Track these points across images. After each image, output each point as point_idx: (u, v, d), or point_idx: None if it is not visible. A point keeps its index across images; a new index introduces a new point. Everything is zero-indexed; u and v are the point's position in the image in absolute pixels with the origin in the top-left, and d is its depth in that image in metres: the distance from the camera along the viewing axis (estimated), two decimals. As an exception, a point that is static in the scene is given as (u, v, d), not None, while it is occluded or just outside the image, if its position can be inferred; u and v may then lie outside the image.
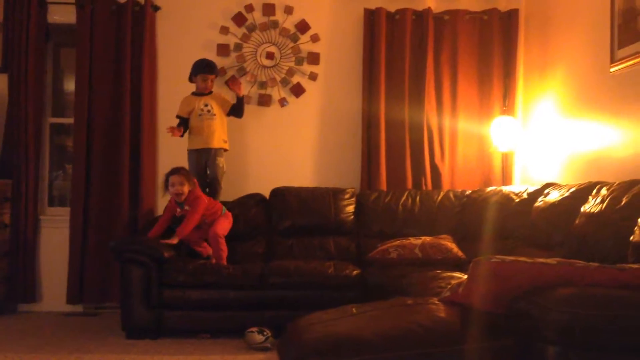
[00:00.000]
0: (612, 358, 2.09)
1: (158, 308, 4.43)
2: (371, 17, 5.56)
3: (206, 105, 5.16)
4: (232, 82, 5.39)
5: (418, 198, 5.27)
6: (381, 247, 4.76)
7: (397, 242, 4.74)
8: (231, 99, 5.34)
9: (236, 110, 5.28)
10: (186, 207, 4.78)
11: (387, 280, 4.31)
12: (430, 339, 2.18)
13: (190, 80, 5.26)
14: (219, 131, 5.19)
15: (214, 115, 5.16)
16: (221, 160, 5.20)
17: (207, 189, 5.20)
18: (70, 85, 5.80)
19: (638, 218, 2.93)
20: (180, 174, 4.76)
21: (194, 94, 5.24)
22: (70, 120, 5.61)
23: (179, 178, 4.74)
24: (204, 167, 5.20)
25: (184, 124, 5.20)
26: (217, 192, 5.21)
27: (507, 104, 5.54)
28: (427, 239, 4.73)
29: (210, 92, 5.26)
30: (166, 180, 4.81)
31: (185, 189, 4.75)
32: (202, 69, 5.21)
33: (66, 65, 5.96)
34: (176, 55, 5.60)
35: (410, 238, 4.78)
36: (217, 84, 5.45)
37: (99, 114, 5.39)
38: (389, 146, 5.53)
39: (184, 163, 5.18)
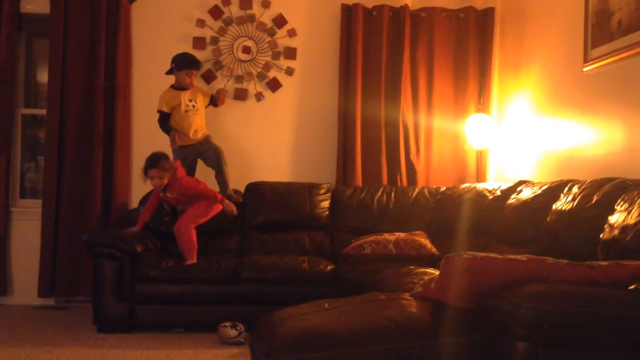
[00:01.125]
0: (580, 354, 2.11)
1: (130, 302, 4.41)
2: (348, 12, 5.56)
3: (190, 100, 5.08)
4: (220, 97, 5.27)
5: (393, 194, 5.30)
6: (355, 243, 4.77)
7: (372, 238, 4.75)
8: (209, 89, 5.35)
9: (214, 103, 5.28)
10: (168, 194, 4.74)
11: (361, 276, 4.33)
12: (401, 334, 2.19)
13: (170, 73, 5.12)
14: (202, 124, 5.16)
15: (198, 110, 5.11)
16: (213, 141, 5.16)
17: (217, 173, 5.16)
18: (43, 76, 5.73)
19: (608, 216, 2.98)
20: (157, 168, 4.65)
21: (175, 88, 5.08)
22: (42, 112, 5.54)
23: (157, 172, 4.65)
24: (192, 161, 5.14)
25: (165, 119, 5.07)
26: (226, 175, 5.14)
27: (482, 101, 5.58)
28: (401, 235, 4.75)
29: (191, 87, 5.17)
30: (145, 170, 4.71)
31: (165, 179, 4.67)
32: (190, 64, 5.08)
33: (39, 56, 5.88)
34: (151, 47, 5.55)
35: (384, 234, 4.80)
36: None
37: (72, 105, 5.33)
38: (365, 142, 5.54)
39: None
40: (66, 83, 5.32)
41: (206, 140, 5.14)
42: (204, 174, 5.16)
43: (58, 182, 5.28)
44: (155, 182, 4.67)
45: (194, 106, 5.07)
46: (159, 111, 5.07)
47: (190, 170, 5.10)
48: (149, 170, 4.67)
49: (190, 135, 5.06)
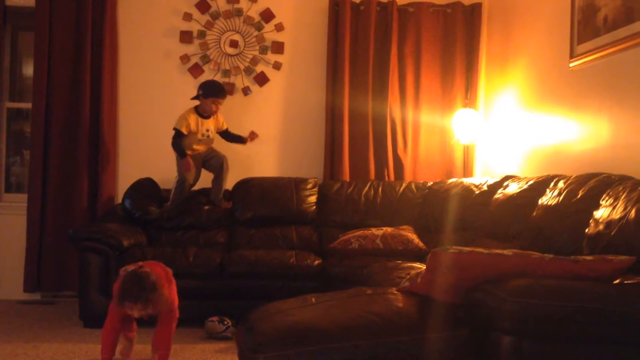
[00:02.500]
0: (565, 348, 2.13)
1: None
2: (336, 7, 5.55)
3: (207, 130, 5.09)
4: (251, 138, 5.32)
5: (380, 189, 5.30)
6: (343, 238, 4.77)
7: (359, 233, 4.76)
8: (223, 123, 5.27)
9: (228, 138, 5.29)
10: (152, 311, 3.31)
11: (348, 270, 4.34)
12: (388, 329, 2.20)
13: (196, 98, 5.06)
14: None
15: (211, 140, 5.16)
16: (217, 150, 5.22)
17: (215, 179, 5.21)
18: (28, 70, 5.68)
19: (593, 211, 3.00)
20: (144, 301, 3.19)
21: (199, 114, 5.04)
22: (28, 105, 5.50)
23: (144, 307, 3.21)
24: (198, 171, 5.17)
25: (180, 139, 4.96)
26: (224, 182, 5.21)
27: (469, 97, 5.60)
28: (389, 229, 4.77)
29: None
30: (120, 300, 3.23)
31: (151, 311, 3.26)
32: (218, 92, 5.04)
33: (24, 49, 5.83)
34: (138, 41, 5.52)
35: (371, 229, 4.81)
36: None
37: (58, 99, 5.29)
38: (352, 137, 5.55)
39: (146, 149, 5.12)
40: (52, 76, 5.28)
41: (210, 148, 5.19)
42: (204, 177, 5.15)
43: (44, 177, 5.25)
44: (138, 315, 3.28)
45: (209, 136, 5.10)
46: (177, 130, 4.96)
47: (196, 178, 5.16)
48: (130, 302, 3.20)
49: (198, 148, 5.13)
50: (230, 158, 5.43)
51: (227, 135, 5.26)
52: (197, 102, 5.07)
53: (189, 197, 5.20)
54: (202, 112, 5.05)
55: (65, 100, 5.31)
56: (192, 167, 4.99)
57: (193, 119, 5.01)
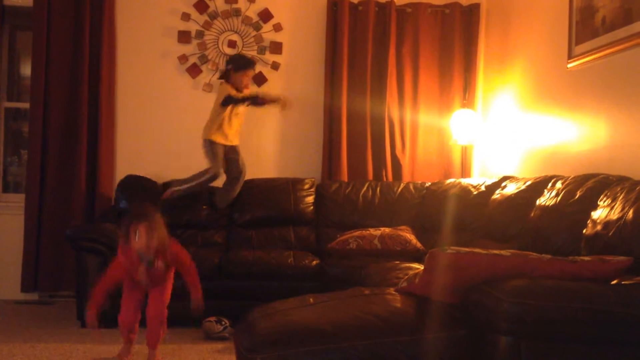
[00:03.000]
0: (563, 348, 2.13)
1: (114, 297, 4.37)
2: (334, 7, 5.55)
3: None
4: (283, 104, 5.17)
5: (378, 189, 5.30)
6: (341, 238, 4.77)
7: (357, 233, 4.76)
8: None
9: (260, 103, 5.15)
10: (159, 264, 3.45)
11: (346, 271, 4.34)
12: (386, 329, 2.20)
13: (226, 77, 5.00)
14: (240, 130, 5.16)
15: (242, 115, 5.12)
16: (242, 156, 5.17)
17: (228, 185, 5.13)
18: (26, 69, 5.68)
19: (591, 211, 3.00)
20: (149, 220, 3.35)
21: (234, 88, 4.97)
22: (26, 105, 5.49)
23: (149, 228, 3.33)
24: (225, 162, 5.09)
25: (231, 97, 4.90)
26: (234, 193, 5.15)
27: (467, 97, 5.60)
28: (387, 230, 4.76)
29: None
30: (126, 227, 3.38)
31: (155, 241, 3.35)
32: (250, 64, 5.02)
33: (22, 49, 5.82)
34: (136, 41, 5.51)
35: (369, 229, 4.80)
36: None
37: (56, 98, 5.28)
38: (350, 137, 5.55)
39: (144, 149, 5.11)
40: (50, 76, 5.27)
41: (236, 149, 5.13)
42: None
43: (41, 176, 5.24)
44: (146, 243, 3.33)
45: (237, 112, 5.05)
46: (229, 97, 4.89)
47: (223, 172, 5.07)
48: (138, 227, 3.33)
49: (230, 136, 5.03)
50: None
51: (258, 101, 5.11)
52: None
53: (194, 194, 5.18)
54: (235, 88, 4.98)
55: (63, 100, 5.30)
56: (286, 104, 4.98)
57: (229, 89, 4.93)
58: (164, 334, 3.62)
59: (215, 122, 4.98)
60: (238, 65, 4.98)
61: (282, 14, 5.64)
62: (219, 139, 4.99)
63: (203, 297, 3.59)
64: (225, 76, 5.04)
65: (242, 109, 5.06)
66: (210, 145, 4.99)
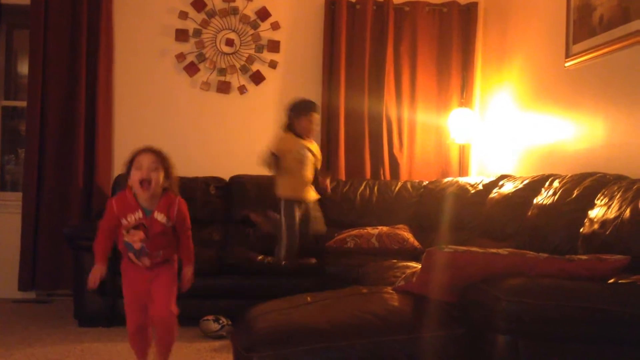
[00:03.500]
0: (560, 347, 2.13)
1: (112, 296, 4.37)
2: (332, 6, 5.55)
3: (308, 149, 4.62)
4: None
5: (376, 188, 5.30)
6: (338, 237, 4.77)
7: (355, 232, 4.76)
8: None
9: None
10: (158, 215, 3.03)
11: (343, 269, 4.33)
12: (383, 328, 2.20)
13: (289, 127, 4.59)
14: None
15: (316, 161, 4.72)
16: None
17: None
18: (23, 68, 5.66)
19: (588, 210, 3.00)
20: (154, 153, 3.03)
21: (296, 136, 4.57)
22: (23, 104, 5.48)
23: (152, 159, 3.00)
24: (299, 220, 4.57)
25: (274, 161, 4.51)
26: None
27: (465, 96, 5.59)
28: (384, 228, 4.77)
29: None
30: (129, 163, 3.04)
31: (160, 176, 3.01)
32: (311, 107, 4.60)
33: (19, 47, 5.81)
34: (133, 39, 5.50)
35: (367, 228, 4.80)
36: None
37: (53, 97, 5.27)
38: (348, 136, 5.55)
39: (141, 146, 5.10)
40: (47, 74, 5.26)
41: (315, 206, 4.71)
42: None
43: (39, 175, 5.23)
44: (147, 174, 2.97)
45: (308, 157, 4.62)
46: (272, 154, 4.50)
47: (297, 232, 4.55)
48: (138, 156, 3.02)
49: (305, 190, 4.64)
50: (225, 154, 5.42)
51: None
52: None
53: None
54: (299, 135, 4.60)
55: (60, 98, 5.29)
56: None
57: (289, 138, 4.57)
58: (173, 341, 3.18)
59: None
60: (297, 111, 4.59)
61: (280, 13, 5.64)
62: (287, 191, 4.60)
63: (194, 276, 3.24)
64: (288, 127, 4.61)
65: (313, 149, 4.66)
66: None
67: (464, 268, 2.29)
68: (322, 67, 5.56)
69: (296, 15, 5.68)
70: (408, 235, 4.71)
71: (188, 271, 3.20)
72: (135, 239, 3.02)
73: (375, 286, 2.88)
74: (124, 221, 3.01)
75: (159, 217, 3.03)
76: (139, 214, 3.01)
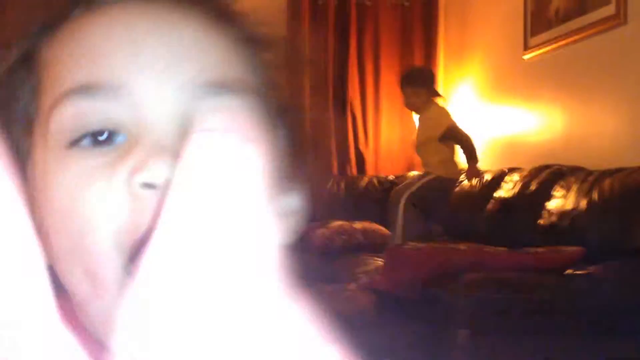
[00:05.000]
0: (520, 340, 2.16)
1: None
2: (295, 2, 5.53)
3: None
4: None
5: (343, 184, 5.30)
6: (323, 235, 4.54)
7: (337, 225, 4.58)
8: None
9: None
10: None
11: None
12: (344, 327, 2.21)
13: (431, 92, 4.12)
14: None
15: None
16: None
17: None
18: None
19: (546, 202, 3.04)
20: None
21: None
22: None
23: None
24: None
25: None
26: None
27: (429, 90, 5.61)
28: (366, 223, 4.70)
29: None
30: None
31: None
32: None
33: None
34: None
35: (352, 222, 4.69)
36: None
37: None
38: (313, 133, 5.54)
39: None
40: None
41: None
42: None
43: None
44: None
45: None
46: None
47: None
48: None
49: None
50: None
51: None
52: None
53: None
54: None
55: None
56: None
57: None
58: None
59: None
60: (430, 80, 4.15)
61: (240, 7, 5.59)
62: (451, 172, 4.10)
63: None
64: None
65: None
66: None
67: (423, 264, 2.32)
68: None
69: (257, 9, 5.62)
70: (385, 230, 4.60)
71: None
72: None
73: (338, 284, 2.89)
74: None
75: None
76: None
